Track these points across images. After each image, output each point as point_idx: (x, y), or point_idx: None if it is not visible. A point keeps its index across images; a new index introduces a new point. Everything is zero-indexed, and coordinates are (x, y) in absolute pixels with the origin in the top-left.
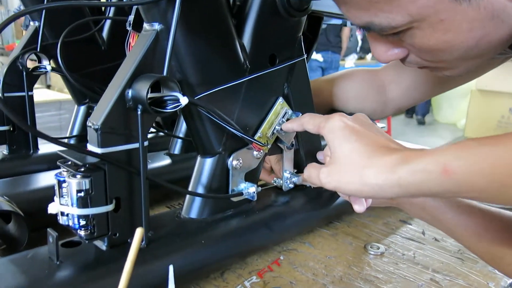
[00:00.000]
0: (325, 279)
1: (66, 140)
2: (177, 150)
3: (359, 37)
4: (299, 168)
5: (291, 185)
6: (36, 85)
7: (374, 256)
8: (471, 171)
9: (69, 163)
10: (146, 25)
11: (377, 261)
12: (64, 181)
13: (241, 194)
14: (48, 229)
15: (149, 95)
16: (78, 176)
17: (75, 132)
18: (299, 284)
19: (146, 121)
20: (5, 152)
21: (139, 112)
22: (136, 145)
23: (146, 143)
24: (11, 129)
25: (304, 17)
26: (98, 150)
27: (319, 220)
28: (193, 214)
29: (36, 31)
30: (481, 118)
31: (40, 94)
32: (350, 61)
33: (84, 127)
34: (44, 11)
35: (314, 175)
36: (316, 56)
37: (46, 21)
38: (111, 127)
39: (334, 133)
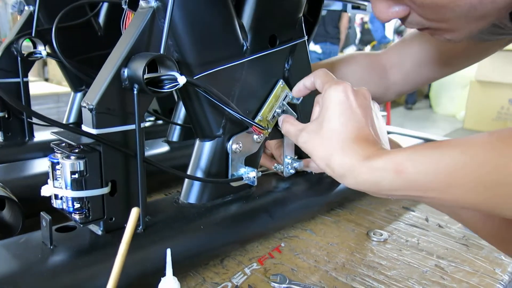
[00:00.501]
0: (327, 265)
1: None
2: (175, 137)
3: (357, 29)
4: (300, 153)
5: (292, 171)
6: (34, 78)
7: (377, 242)
8: (419, 171)
9: (63, 144)
10: (142, 3)
11: (380, 247)
12: (58, 163)
13: (241, 179)
14: (41, 213)
15: (146, 75)
16: (72, 158)
17: (71, 120)
18: (300, 271)
19: (142, 102)
20: (0, 139)
21: (135, 92)
22: (132, 127)
23: (142, 125)
24: (6, 116)
25: None
26: (93, 131)
27: (321, 207)
28: (192, 199)
29: (31, 15)
30: (481, 110)
31: (38, 86)
32: (349, 53)
33: (80, 114)
34: None
35: (292, 133)
36: (315, 47)
37: (41, 5)
38: (106, 107)
39: (330, 103)
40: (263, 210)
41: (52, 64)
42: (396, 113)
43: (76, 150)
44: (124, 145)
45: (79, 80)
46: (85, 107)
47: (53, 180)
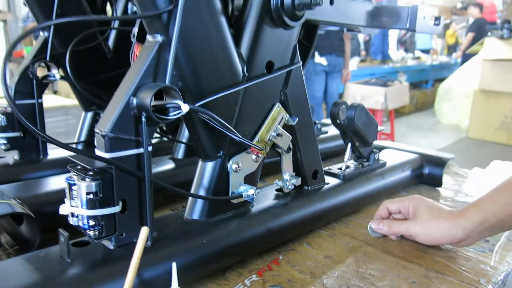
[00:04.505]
0: (322, 277)
1: (74, 146)
2: (180, 154)
3: (361, 40)
4: (298, 171)
5: (291, 187)
6: None
7: (370, 254)
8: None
9: (79, 167)
10: (149, 37)
11: (373, 259)
12: (74, 184)
13: (240, 196)
14: (59, 229)
15: (152, 103)
16: (87, 179)
17: (82, 138)
18: (297, 282)
19: (150, 127)
20: (16, 157)
21: (143, 119)
22: (141, 150)
23: (150, 148)
24: (22, 135)
25: (299, 26)
26: (106, 155)
27: (318, 221)
28: (195, 216)
29: (45, 41)
30: (484, 119)
31: (47, 99)
32: (353, 64)
33: (91, 132)
34: (54, 17)
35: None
36: (320, 59)
37: (55, 32)
38: (117, 133)
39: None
40: (262, 225)
41: None
42: (401, 123)
43: (91, 173)
44: (133, 167)
45: (89, 100)
46: (98, 133)
47: (69, 200)
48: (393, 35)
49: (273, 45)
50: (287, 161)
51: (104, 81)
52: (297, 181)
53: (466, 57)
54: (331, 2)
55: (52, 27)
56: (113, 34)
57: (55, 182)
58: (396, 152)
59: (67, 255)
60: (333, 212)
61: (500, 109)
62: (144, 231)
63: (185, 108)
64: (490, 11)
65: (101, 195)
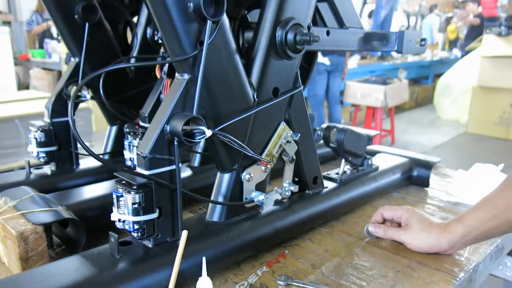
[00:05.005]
0: (321, 268)
1: (102, 156)
2: (196, 163)
3: None
4: (300, 177)
5: (288, 193)
6: (48, 94)
7: (362, 249)
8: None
9: (124, 182)
10: (177, 75)
11: (365, 252)
12: (122, 196)
13: (252, 201)
14: (109, 232)
15: (183, 130)
16: (132, 193)
17: (108, 149)
18: (300, 273)
19: (180, 149)
20: (53, 168)
21: (175, 143)
22: (173, 167)
23: (180, 165)
24: (58, 149)
25: (300, 56)
26: (146, 172)
27: (318, 220)
28: (215, 218)
29: (77, 65)
30: (483, 114)
31: None
32: (353, 62)
33: (116, 144)
34: (84, 47)
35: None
36: (323, 59)
37: (85, 58)
38: (154, 154)
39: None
40: (270, 225)
41: None
42: (401, 118)
43: (135, 187)
44: (167, 181)
45: (115, 115)
46: (139, 154)
47: (117, 208)
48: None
49: (278, 73)
50: (288, 171)
51: (128, 98)
52: (295, 188)
53: (465, 54)
54: (328, 34)
55: (83, 54)
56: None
57: (91, 191)
58: (388, 156)
59: (117, 253)
60: (331, 212)
61: (499, 104)
62: (185, 234)
63: (208, 133)
64: (490, 6)
65: (143, 204)
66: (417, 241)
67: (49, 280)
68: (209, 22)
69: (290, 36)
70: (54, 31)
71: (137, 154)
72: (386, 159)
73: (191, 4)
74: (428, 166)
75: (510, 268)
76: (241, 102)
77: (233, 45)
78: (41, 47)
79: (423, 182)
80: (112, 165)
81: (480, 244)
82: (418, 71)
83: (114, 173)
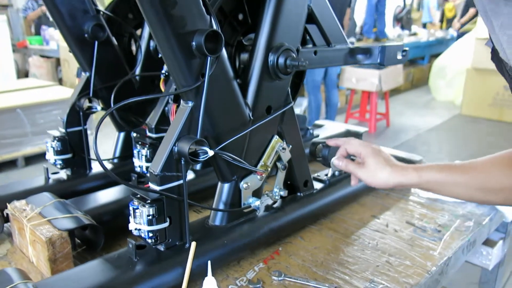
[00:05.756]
0: (310, 263)
1: (110, 160)
2: (198, 166)
3: (358, 22)
4: (292, 181)
5: (278, 197)
6: (48, 82)
7: (346, 245)
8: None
9: (138, 196)
10: (183, 102)
11: (349, 248)
12: (138, 208)
13: (249, 206)
14: (128, 239)
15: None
16: (147, 206)
17: (117, 154)
18: (292, 268)
19: (186, 167)
20: (69, 173)
21: (183, 162)
22: (181, 182)
23: (186, 180)
24: (72, 156)
25: (290, 76)
26: (157, 188)
27: (308, 220)
28: (217, 222)
29: (87, 79)
30: (477, 96)
31: (54, 91)
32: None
33: (124, 149)
34: (94, 61)
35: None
36: None
37: (95, 72)
38: (164, 172)
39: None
40: (266, 226)
41: (65, 67)
42: (396, 100)
43: (149, 201)
44: (176, 194)
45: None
46: (151, 172)
47: (133, 218)
48: (389, 12)
49: (271, 93)
50: (280, 178)
51: (132, 105)
52: (284, 193)
53: (461, 36)
54: (315, 53)
55: (93, 69)
56: (139, 67)
57: (105, 196)
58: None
59: (134, 256)
60: (320, 211)
61: (492, 86)
62: (194, 245)
63: (211, 153)
64: None
65: (156, 216)
66: (371, 178)
67: (81, 282)
68: (209, 58)
69: (281, 60)
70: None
71: (149, 171)
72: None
73: (194, 43)
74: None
75: (485, 256)
76: (238, 122)
77: (230, 73)
78: (37, 33)
79: None
80: (128, 184)
81: (453, 239)
82: (414, 52)
83: (130, 189)
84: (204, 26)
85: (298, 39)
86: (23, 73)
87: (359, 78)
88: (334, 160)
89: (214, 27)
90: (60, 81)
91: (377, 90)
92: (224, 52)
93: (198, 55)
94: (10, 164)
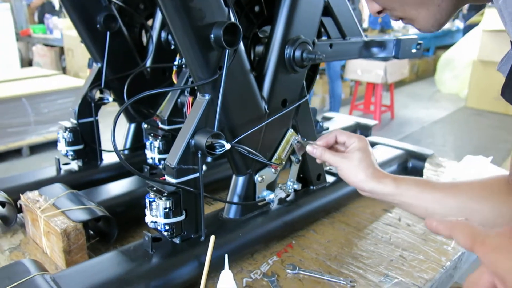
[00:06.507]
0: (324, 257)
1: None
2: (208, 158)
3: (364, 12)
4: (305, 175)
5: (291, 190)
6: (52, 71)
7: (360, 238)
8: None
9: (155, 188)
10: (199, 95)
11: (362, 242)
12: (154, 201)
13: (264, 200)
14: (144, 231)
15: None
16: (163, 199)
17: (127, 145)
18: (306, 261)
19: (203, 160)
20: (80, 164)
21: (199, 155)
22: (197, 175)
23: (202, 172)
24: (83, 147)
25: (306, 69)
26: (174, 181)
27: (321, 213)
28: (231, 215)
29: (99, 70)
30: (483, 89)
31: (59, 80)
32: None
33: (135, 140)
34: (106, 53)
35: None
36: None
37: (107, 63)
38: (181, 165)
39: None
40: (279, 219)
41: (69, 56)
42: (401, 92)
43: (165, 194)
44: (192, 187)
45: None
46: (168, 165)
47: (149, 211)
48: None
49: (286, 86)
50: (293, 171)
51: (143, 97)
52: (298, 186)
53: (468, 28)
54: (331, 46)
55: (105, 60)
56: (150, 58)
57: (118, 188)
58: (385, 148)
59: (150, 248)
60: (332, 205)
61: (498, 79)
62: (213, 239)
63: (227, 146)
64: None
65: (173, 208)
66: (348, 172)
67: (98, 274)
68: (227, 50)
69: (297, 54)
70: (56, 3)
71: (165, 164)
72: (383, 151)
73: (212, 36)
74: (422, 158)
75: None
76: (254, 115)
77: (247, 66)
78: (41, 21)
79: (418, 173)
80: (146, 177)
81: None
82: None
83: (146, 182)
84: (223, 18)
85: (314, 32)
86: (26, 62)
87: (364, 69)
88: (308, 147)
89: (232, 19)
90: (64, 70)
91: (382, 82)
92: (241, 44)
93: (216, 48)
94: (15, 153)
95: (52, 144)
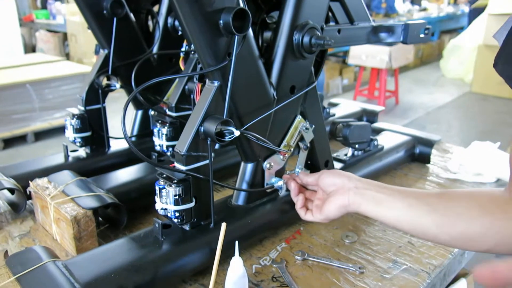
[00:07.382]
0: (332, 243)
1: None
2: (217, 145)
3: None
4: (313, 161)
5: None
6: (56, 57)
7: (368, 225)
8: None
9: (164, 176)
10: (208, 82)
11: (370, 229)
12: (164, 188)
13: (272, 187)
14: (154, 218)
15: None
16: (173, 186)
17: (135, 132)
18: (314, 247)
19: (212, 146)
20: (88, 151)
21: (209, 142)
22: (206, 162)
23: (212, 159)
24: (92, 133)
25: (314, 56)
26: (184, 168)
27: None
28: (240, 202)
29: (106, 57)
30: (488, 74)
31: (63, 66)
32: None
33: (142, 127)
34: (113, 38)
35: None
36: None
37: (114, 49)
38: (190, 152)
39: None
40: (288, 206)
41: (72, 42)
42: (406, 78)
43: (175, 181)
44: (202, 174)
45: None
46: (177, 152)
47: (159, 198)
48: None
49: (294, 72)
50: (302, 158)
51: (151, 84)
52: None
53: (473, 12)
54: (339, 32)
55: (112, 46)
56: (156, 45)
57: (127, 174)
58: (392, 134)
59: (161, 235)
60: None
61: None
62: (224, 226)
63: (237, 133)
64: None
65: (183, 195)
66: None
67: (110, 260)
68: (236, 36)
69: (306, 39)
70: None
71: (175, 151)
72: (390, 137)
73: (221, 22)
74: (429, 143)
75: None
76: (263, 101)
77: (256, 52)
78: (44, 7)
79: (425, 159)
80: (156, 164)
81: None
82: None
83: (156, 168)
84: (232, 4)
85: (322, 17)
86: (30, 48)
87: (369, 54)
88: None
89: (241, 5)
90: (67, 56)
91: (387, 67)
92: (250, 31)
93: (225, 34)
94: (20, 139)
95: (57, 130)
